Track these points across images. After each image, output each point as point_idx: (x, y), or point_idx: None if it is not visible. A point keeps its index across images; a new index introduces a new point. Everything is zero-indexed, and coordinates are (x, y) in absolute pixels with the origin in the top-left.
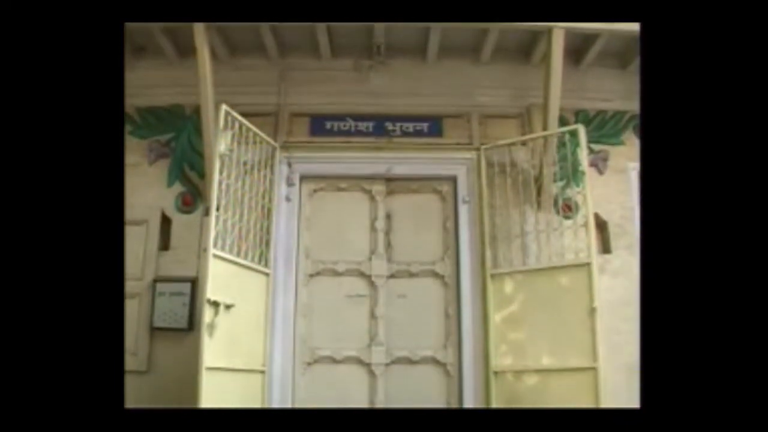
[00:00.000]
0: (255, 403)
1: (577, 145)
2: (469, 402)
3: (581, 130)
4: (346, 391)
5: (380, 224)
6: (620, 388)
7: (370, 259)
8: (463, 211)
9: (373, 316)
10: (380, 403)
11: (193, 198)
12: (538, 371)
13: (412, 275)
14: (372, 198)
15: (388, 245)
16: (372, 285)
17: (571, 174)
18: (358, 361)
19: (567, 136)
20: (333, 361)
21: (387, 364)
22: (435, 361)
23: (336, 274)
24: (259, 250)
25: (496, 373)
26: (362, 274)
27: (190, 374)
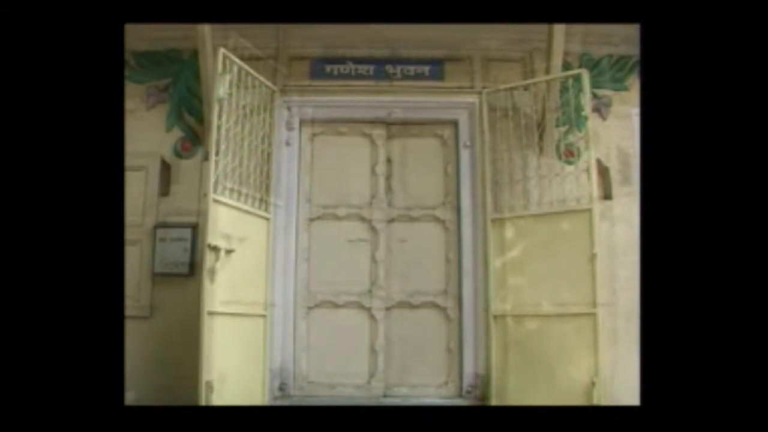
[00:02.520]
0: (257, 348)
1: (580, 90)
2: (469, 346)
3: (585, 75)
4: (347, 336)
5: (381, 169)
6: (619, 333)
7: (370, 203)
8: (465, 155)
9: (374, 260)
10: (380, 348)
11: (192, 143)
12: (537, 316)
13: (412, 220)
14: (372, 142)
15: (389, 190)
16: (373, 230)
17: (574, 119)
18: (359, 306)
19: (570, 81)
20: (334, 305)
21: (388, 308)
22: (435, 306)
23: (337, 218)
24: (259, 194)
25: (495, 317)
26: (363, 219)
27: (191, 319)
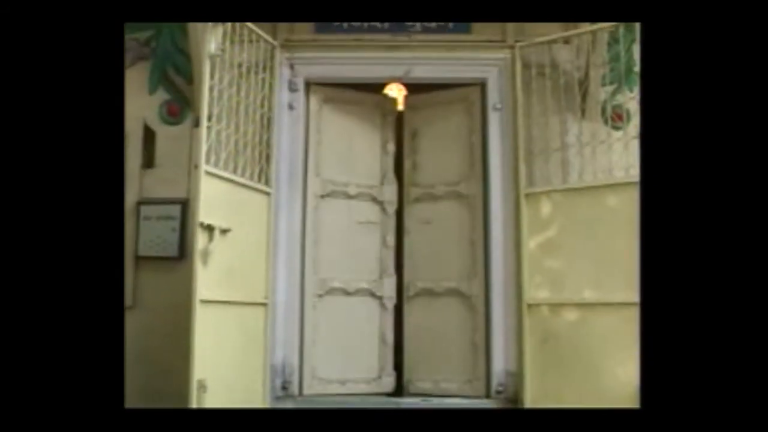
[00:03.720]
0: (256, 340)
1: (632, 41)
2: (499, 339)
3: (638, 24)
4: (357, 326)
5: (391, 147)
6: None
7: (382, 183)
8: (494, 120)
9: (384, 245)
10: (391, 341)
11: (180, 107)
12: (577, 305)
13: (435, 198)
14: (384, 112)
15: (413, 167)
16: (384, 212)
17: (624, 76)
18: (370, 294)
19: (621, 31)
20: (344, 293)
21: (409, 297)
22: (459, 294)
23: (348, 197)
24: (258, 166)
25: (529, 306)
26: (374, 200)
27: (181, 309)
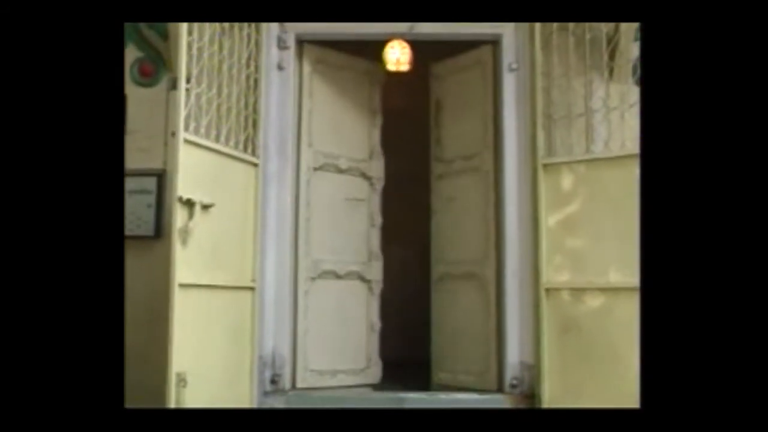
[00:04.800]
0: (243, 329)
1: None
2: (513, 327)
3: None
4: (347, 312)
5: (378, 121)
6: None
7: (370, 157)
8: (509, 82)
9: (372, 224)
10: (377, 327)
11: (155, 66)
12: (603, 290)
13: (456, 174)
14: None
15: (438, 141)
16: (372, 188)
17: None
18: (360, 277)
19: None
20: (336, 276)
21: (435, 281)
22: (474, 277)
23: (339, 171)
24: (244, 133)
25: (548, 290)
26: (363, 175)
27: (158, 294)
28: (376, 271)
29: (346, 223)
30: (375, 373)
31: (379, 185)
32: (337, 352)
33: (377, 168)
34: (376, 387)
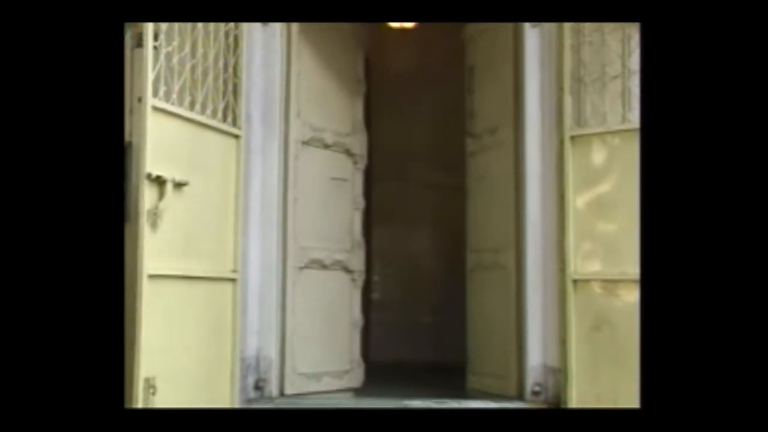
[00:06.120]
0: (223, 327)
1: None
2: (535, 324)
3: None
4: (332, 306)
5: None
6: None
7: (354, 131)
8: (531, 40)
9: (355, 207)
10: (359, 324)
11: None
12: (639, 282)
13: (485, 150)
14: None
15: (471, 114)
16: (356, 167)
17: None
18: (343, 268)
19: None
20: (322, 266)
21: (470, 271)
22: (498, 267)
23: (324, 146)
24: (223, 101)
25: (576, 282)
26: (347, 152)
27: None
28: (357, 262)
29: (331, 205)
30: (357, 377)
31: (362, 163)
32: (321, 352)
33: (360, 144)
34: (357, 391)
